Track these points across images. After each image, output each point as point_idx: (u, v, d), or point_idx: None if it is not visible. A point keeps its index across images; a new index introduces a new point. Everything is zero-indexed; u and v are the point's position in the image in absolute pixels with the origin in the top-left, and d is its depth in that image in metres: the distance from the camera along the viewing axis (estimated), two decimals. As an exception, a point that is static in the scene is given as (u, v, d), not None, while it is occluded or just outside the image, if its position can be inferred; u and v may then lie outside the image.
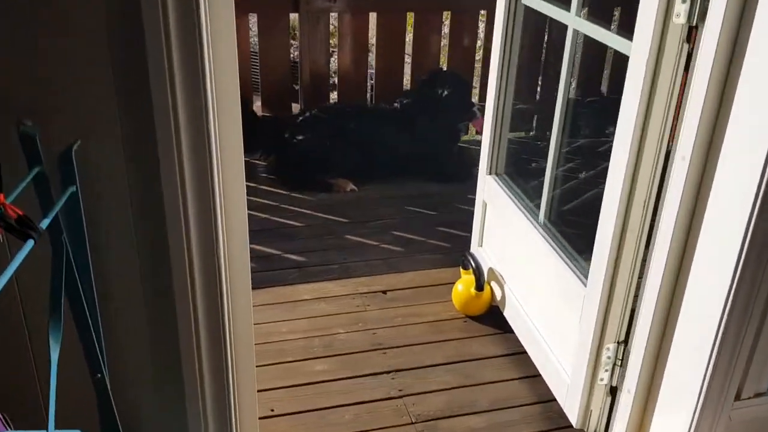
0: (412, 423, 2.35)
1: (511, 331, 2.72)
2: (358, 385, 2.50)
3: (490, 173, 2.80)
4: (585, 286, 2.10)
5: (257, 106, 4.21)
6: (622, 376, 2.07)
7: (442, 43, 4.25)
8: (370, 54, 4.28)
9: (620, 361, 2.07)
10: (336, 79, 4.23)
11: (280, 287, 3.02)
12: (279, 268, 3.17)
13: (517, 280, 2.64)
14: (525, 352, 2.61)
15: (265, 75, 4.11)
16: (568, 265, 2.23)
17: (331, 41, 4.25)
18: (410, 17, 4.22)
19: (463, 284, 2.84)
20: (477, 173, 3.88)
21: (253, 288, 3.00)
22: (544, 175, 2.39)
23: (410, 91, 4.21)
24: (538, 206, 2.46)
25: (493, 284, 2.83)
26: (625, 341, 2.06)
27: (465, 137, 4.31)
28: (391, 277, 3.12)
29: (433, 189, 3.87)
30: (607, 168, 1.94)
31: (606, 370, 2.10)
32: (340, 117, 3.94)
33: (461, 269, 2.91)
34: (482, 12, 4.21)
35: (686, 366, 1.85)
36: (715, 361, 1.74)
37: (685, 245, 1.79)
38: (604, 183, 1.95)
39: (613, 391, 2.14)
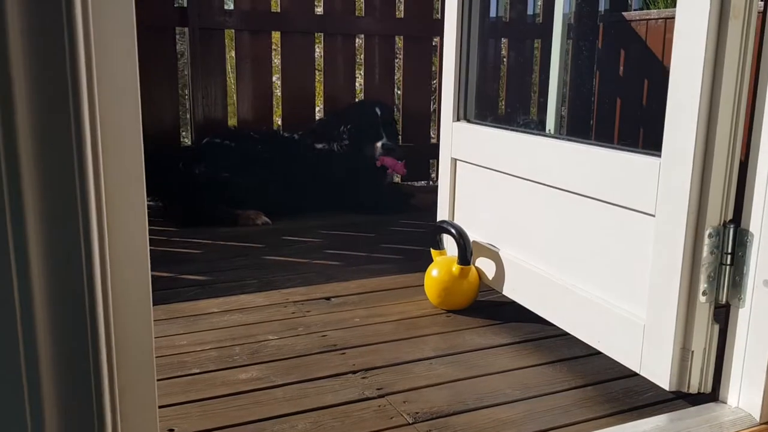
0: (410, 424, 1.43)
1: (515, 320, 1.93)
2: (312, 390, 1.57)
3: (458, 120, 2.14)
4: (658, 156, 1.40)
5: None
6: (738, 277, 1.33)
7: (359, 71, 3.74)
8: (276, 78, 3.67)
9: (729, 256, 1.34)
10: (236, 104, 3.53)
11: (174, 304, 2.08)
12: (170, 287, 2.23)
13: (522, 234, 1.90)
14: (547, 337, 1.82)
15: (146, 107, 3.35)
16: (614, 148, 1.54)
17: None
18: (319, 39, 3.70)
19: (439, 267, 2.05)
20: (409, 206, 3.31)
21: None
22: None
23: (321, 120, 3.60)
24: (541, 123, 1.81)
25: (480, 262, 2.06)
26: (734, 220, 1.35)
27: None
28: (334, 285, 2.26)
29: (360, 219, 3.14)
30: None
31: (710, 278, 1.36)
32: (246, 144, 3.22)
33: (432, 251, 2.13)
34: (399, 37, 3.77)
35: None
36: None
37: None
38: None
39: (721, 315, 1.39)
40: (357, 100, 3.80)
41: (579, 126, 2.98)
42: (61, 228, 0.71)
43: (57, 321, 0.72)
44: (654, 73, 3.23)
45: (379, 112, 3.38)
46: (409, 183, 3.88)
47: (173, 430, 1.40)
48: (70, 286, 0.74)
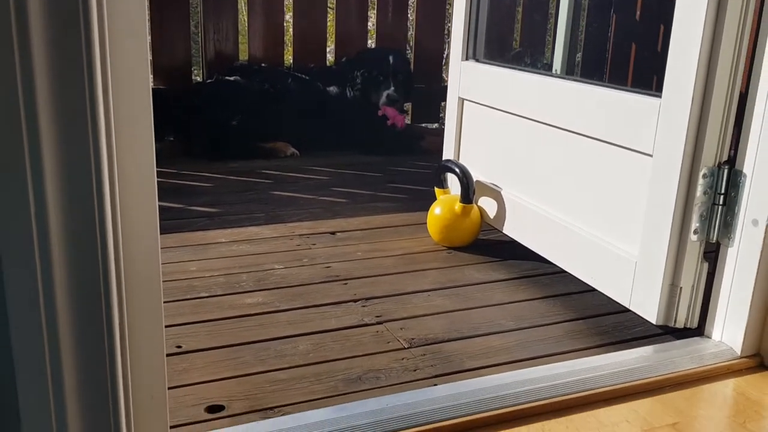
0: (406, 348, 1.50)
1: (514, 257, 1.98)
2: (314, 315, 1.64)
3: (467, 59, 2.15)
4: (659, 96, 1.42)
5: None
6: (730, 217, 1.37)
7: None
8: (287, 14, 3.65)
9: (722, 197, 1.38)
10: (247, 40, 3.53)
11: (184, 233, 2.14)
12: (180, 218, 2.30)
13: (524, 173, 1.93)
14: (543, 274, 1.88)
15: (158, 42, 3.36)
16: (617, 89, 1.56)
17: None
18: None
19: (442, 205, 2.09)
20: (418, 148, 3.34)
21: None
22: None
23: (341, 62, 3.59)
24: (547, 66, 1.82)
25: (483, 202, 2.10)
26: (729, 161, 1.37)
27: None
28: (340, 221, 2.32)
29: (368, 159, 3.17)
30: None
31: (702, 217, 1.40)
32: (258, 81, 3.24)
33: (436, 190, 2.17)
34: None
35: None
36: None
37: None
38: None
39: (711, 256, 1.43)
40: (373, 44, 3.78)
41: (594, 70, 2.99)
42: (74, 146, 0.76)
43: (69, 227, 0.77)
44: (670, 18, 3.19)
45: (391, 60, 3.39)
46: (420, 125, 3.88)
47: (181, 346, 1.48)
48: (82, 195, 0.79)
